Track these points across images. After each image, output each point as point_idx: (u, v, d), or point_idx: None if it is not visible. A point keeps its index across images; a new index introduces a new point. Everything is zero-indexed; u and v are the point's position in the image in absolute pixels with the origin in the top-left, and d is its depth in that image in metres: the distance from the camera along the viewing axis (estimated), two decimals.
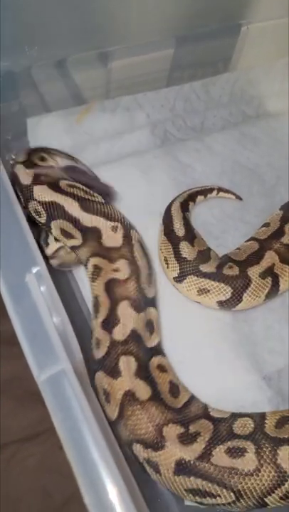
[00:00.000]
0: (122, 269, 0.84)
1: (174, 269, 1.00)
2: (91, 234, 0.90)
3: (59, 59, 1.16)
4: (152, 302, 0.86)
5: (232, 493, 0.72)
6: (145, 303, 0.84)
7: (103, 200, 0.95)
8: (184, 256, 1.00)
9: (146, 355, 0.82)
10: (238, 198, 1.17)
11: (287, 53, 1.36)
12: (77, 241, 0.92)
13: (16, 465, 1.05)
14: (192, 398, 0.83)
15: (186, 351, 0.95)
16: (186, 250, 1.01)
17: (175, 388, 0.82)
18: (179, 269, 1.00)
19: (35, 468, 1.06)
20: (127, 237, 0.88)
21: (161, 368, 0.84)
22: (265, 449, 0.74)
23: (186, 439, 0.74)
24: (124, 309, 0.82)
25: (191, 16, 1.24)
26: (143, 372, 0.79)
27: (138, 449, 0.75)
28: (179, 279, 1.00)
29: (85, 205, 0.91)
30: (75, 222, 0.90)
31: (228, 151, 1.26)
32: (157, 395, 0.77)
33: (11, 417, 1.07)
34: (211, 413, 0.81)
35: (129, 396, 0.76)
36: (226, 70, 1.38)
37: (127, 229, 0.91)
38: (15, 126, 1.18)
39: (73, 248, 0.93)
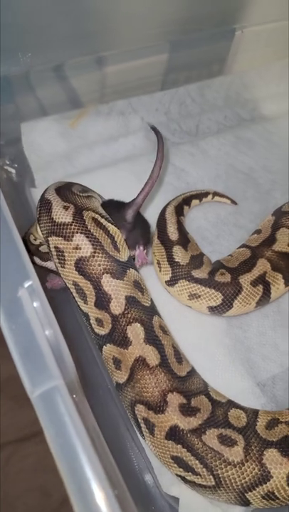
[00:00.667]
0: (82, 246, 0.83)
1: (166, 272, 1.01)
2: None
3: (53, 64, 1.16)
4: (128, 264, 0.86)
5: (212, 477, 0.75)
6: (122, 267, 0.83)
7: None
8: (176, 260, 1.00)
9: (148, 315, 0.83)
10: (233, 202, 1.17)
11: (282, 56, 1.36)
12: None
13: (14, 465, 1.06)
14: (194, 370, 0.86)
15: None
16: (180, 255, 1.01)
17: (178, 353, 0.85)
18: (171, 273, 1.00)
19: (34, 467, 1.07)
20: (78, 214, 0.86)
21: (163, 330, 0.86)
22: (253, 448, 0.76)
23: (186, 410, 0.77)
24: (108, 284, 0.82)
25: (185, 20, 1.24)
26: (150, 337, 0.81)
27: (140, 409, 0.79)
28: (171, 282, 1.00)
29: None
30: None
31: (223, 154, 1.26)
32: (165, 361, 0.80)
33: (9, 417, 1.08)
34: (211, 393, 0.84)
35: (140, 362, 0.79)
36: (221, 73, 1.38)
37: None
38: (8, 132, 1.17)
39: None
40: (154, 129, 1.03)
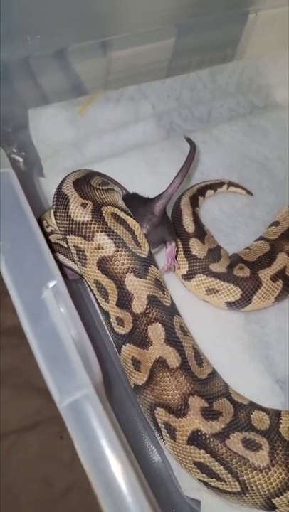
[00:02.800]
0: (104, 245, 0.80)
1: (183, 266, 0.97)
2: None
3: (59, 48, 1.10)
4: (149, 260, 0.83)
5: (237, 483, 0.72)
6: (144, 264, 0.81)
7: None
8: (193, 253, 0.97)
9: (169, 315, 0.81)
10: (249, 193, 1.14)
11: None
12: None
13: (15, 454, 1.04)
14: (214, 371, 0.84)
15: None
16: (196, 248, 0.98)
17: (198, 355, 0.83)
18: (188, 267, 0.97)
19: (36, 457, 1.05)
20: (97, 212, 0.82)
21: (183, 331, 0.83)
22: (279, 451, 0.74)
23: (209, 414, 0.75)
24: (131, 283, 0.79)
25: (195, 3, 1.18)
26: (171, 337, 0.79)
27: (160, 413, 0.77)
28: (188, 276, 0.97)
29: None
30: None
31: (237, 143, 1.22)
32: (185, 363, 0.78)
33: (11, 407, 1.06)
34: (232, 395, 0.82)
35: (160, 363, 0.77)
36: (234, 58, 1.33)
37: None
38: (16, 119, 1.13)
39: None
40: (188, 140, 1.00)
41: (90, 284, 0.84)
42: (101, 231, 0.80)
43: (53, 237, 0.94)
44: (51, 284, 0.56)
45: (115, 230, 0.81)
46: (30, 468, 1.05)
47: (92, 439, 0.49)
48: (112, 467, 0.48)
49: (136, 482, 0.47)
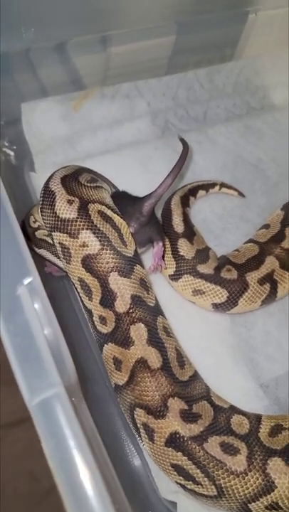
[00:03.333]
0: (89, 243, 0.79)
1: (170, 266, 0.97)
2: None
3: (57, 42, 1.09)
4: (135, 259, 0.82)
5: (213, 486, 0.72)
6: (129, 264, 0.81)
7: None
8: (181, 254, 0.96)
9: (152, 315, 0.81)
10: (241, 194, 1.13)
11: None
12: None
13: (3, 449, 1.04)
14: (196, 374, 0.83)
15: None
16: (185, 248, 0.97)
17: (180, 357, 0.82)
18: (176, 267, 0.96)
19: (23, 453, 1.06)
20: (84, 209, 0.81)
21: (166, 331, 0.83)
22: (257, 456, 0.73)
23: (188, 416, 0.74)
24: (115, 282, 0.79)
25: (196, 1, 1.17)
26: (153, 338, 0.78)
27: (139, 413, 0.76)
28: (175, 277, 0.96)
29: None
30: None
31: (231, 144, 1.21)
32: (167, 364, 0.78)
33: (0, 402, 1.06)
34: (213, 398, 0.81)
35: (141, 363, 0.76)
36: (232, 58, 1.32)
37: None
38: (8, 111, 1.11)
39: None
40: (182, 140, 0.98)
41: (74, 281, 0.83)
42: (86, 229, 0.79)
43: (39, 233, 0.93)
44: (27, 281, 0.56)
45: (101, 228, 0.80)
46: (17, 464, 1.05)
47: (59, 439, 0.48)
48: (78, 468, 0.47)
49: (102, 485, 0.47)
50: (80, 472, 0.47)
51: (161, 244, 0.93)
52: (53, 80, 1.17)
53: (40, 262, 0.94)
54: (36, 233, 0.94)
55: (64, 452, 0.47)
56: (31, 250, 0.90)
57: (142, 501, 0.81)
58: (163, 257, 0.95)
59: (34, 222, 0.95)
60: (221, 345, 0.96)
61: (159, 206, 1.03)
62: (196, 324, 0.98)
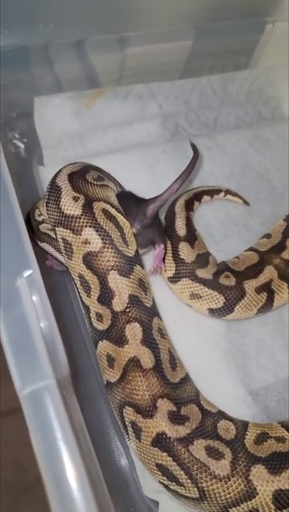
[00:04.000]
0: (91, 241, 0.80)
1: (170, 268, 0.98)
2: None
3: (75, 40, 1.11)
4: (135, 259, 0.83)
5: (196, 489, 0.73)
6: (130, 263, 0.81)
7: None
8: (182, 257, 0.97)
9: (148, 316, 0.81)
10: (246, 202, 1.14)
11: None
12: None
13: None
14: (187, 377, 0.84)
15: None
16: (185, 252, 0.98)
17: (173, 359, 0.83)
18: (175, 270, 0.97)
19: (12, 442, 1.06)
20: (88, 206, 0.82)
21: (161, 333, 0.84)
22: (240, 462, 0.74)
23: (176, 418, 0.75)
24: (114, 280, 0.80)
25: (215, 7, 1.18)
26: (148, 338, 0.79)
27: (128, 412, 0.77)
28: (174, 279, 0.97)
29: None
30: None
31: (240, 152, 1.22)
32: (159, 365, 0.78)
33: None
34: (202, 402, 0.82)
35: (134, 362, 0.77)
36: (246, 66, 1.33)
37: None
38: (21, 105, 1.13)
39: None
40: (193, 146, 0.99)
41: (74, 277, 0.84)
42: (90, 226, 0.80)
43: (43, 227, 0.94)
44: (26, 273, 0.57)
45: (104, 227, 0.81)
46: (5, 453, 1.06)
47: (46, 430, 0.49)
48: (63, 459, 0.48)
49: (85, 477, 0.48)
50: (65, 463, 0.48)
51: (162, 246, 0.94)
52: (68, 75, 1.19)
53: (42, 255, 0.95)
54: (40, 227, 0.95)
55: (50, 443, 0.49)
56: (34, 243, 0.92)
57: (125, 498, 0.82)
58: (164, 259, 0.96)
59: (39, 215, 0.96)
60: (214, 350, 0.97)
61: (164, 208, 1.04)
62: (192, 328, 0.99)
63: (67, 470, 0.48)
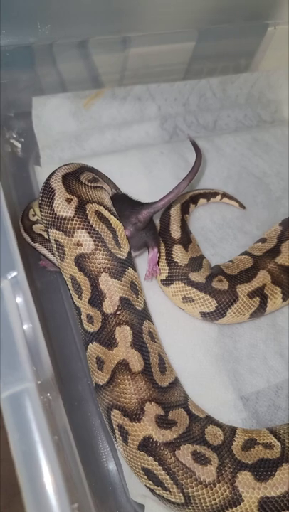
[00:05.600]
0: (83, 242, 0.80)
1: (163, 271, 0.97)
2: None
3: (75, 40, 1.10)
4: (127, 262, 0.83)
5: (181, 494, 0.72)
6: (121, 266, 0.81)
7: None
8: (175, 260, 0.97)
9: (139, 319, 0.81)
10: (242, 206, 1.13)
11: None
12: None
13: None
14: (176, 381, 0.84)
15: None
16: (179, 255, 0.98)
17: (162, 362, 0.83)
18: (168, 273, 0.97)
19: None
20: (81, 208, 0.82)
21: (152, 336, 0.83)
22: (227, 469, 0.74)
23: (163, 422, 0.75)
24: (106, 282, 0.80)
25: (216, 10, 1.17)
26: (137, 342, 0.79)
27: (116, 415, 0.77)
28: (166, 282, 0.97)
29: None
30: None
31: (238, 155, 1.21)
32: (148, 369, 0.78)
33: None
34: (190, 407, 0.81)
35: (123, 365, 0.77)
36: (247, 69, 1.32)
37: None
38: (19, 104, 1.13)
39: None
40: (194, 144, 0.96)
41: (66, 278, 0.84)
42: (82, 228, 0.80)
43: (36, 227, 0.94)
44: (11, 275, 0.56)
45: (96, 229, 0.81)
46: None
47: (23, 433, 0.49)
48: (40, 462, 0.48)
49: (61, 480, 0.47)
50: (42, 467, 0.48)
51: (156, 250, 0.94)
52: (69, 76, 1.18)
53: (35, 254, 0.95)
54: (34, 227, 0.95)
55: (27, 446, 0.48)
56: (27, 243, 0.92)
57: (112, 501, 0.81)
58: (158, 263, 0.96)
59: (33, 215, 0.96)
60: (205, 354, 0.97)
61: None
62: (183, 331, 0.98)
63: (43, 473, 0.48)
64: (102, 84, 1.21)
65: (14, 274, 0.57)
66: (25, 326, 0.56)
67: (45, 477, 0.48)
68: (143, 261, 0.98)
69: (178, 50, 1.25)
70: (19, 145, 1.13)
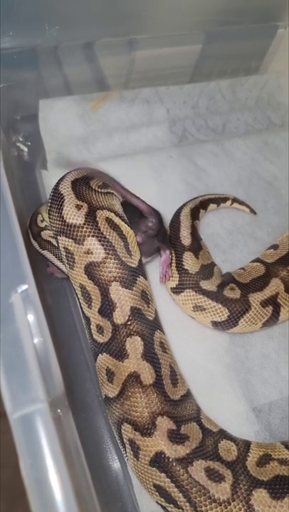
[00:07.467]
0: (93, 251, 0.78)
1: (173, 279, 0.95)
2: None
3: (82, 42, 1.08)
4: (138, 270, 0.81)
5: None
6: (132, 275, 0.79)
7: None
8: (185, 267, 0.95)
9: (150, 329, 0.79)
10: (253, 211, 1.11)
11: None
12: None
13: None
14: (188, 393, 0.82)
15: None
16: (190, 262, 0.95)
17: (174, 374, 0.80)
18: (179, 281, 0.94)
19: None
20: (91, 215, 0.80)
21: (163, 347, 0.81)
22: (242, 486, 0.71)
23: (175, 437, 0.72)
24: (116, 292, 0.77)
25: (225, 11, 1.15)
26: (149, 353, 0.77)
27: (127, 429, 0.74)
28: (177, 290, 0.95)
29: None
30: None
31: (248, 159, 1.19)
32: (159, 381, 0.76)
33: None
34: (202, 420, 0.79)
35: (134, 378, 0.75)
36: (257, 71, 1.30)
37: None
38: (26, 107, 1.11)
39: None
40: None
41: (75, 287, 0.82)
42: (92, 236, 0.78)
43: (44, 234, 0.92)
44: (21, 289, 0.54)
45: (107, 236, 0.79)
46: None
47: (36, 458, 0.47)
48: (54, 490, 0.46)
49: (72, 499, 0.45)
50: (55, 497, 0.46)
51: (168, 252, 0.92)
52: (76, 78, 1.16)
53: (42, 261, 0.93)
54: (42, 233, 0.93)
55: (40, 472, 0.46)
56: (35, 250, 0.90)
57: None
58: (170, 264, 0.93)
59: (41, 221, 0.94)
60: (216, 364, 0.94)
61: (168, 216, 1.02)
62: (194, 340, 0.96)
63: (54, 493, 0.45)
64: (108, 87, 1.19)
65: (25, 287, 0.55)
66: (35, 340, 0.54)
67: (56, 496, 0.45)
68: (153, 269, 0.95)
69: (186, 52, 1.23)
70: (25, 149, 1.11)
